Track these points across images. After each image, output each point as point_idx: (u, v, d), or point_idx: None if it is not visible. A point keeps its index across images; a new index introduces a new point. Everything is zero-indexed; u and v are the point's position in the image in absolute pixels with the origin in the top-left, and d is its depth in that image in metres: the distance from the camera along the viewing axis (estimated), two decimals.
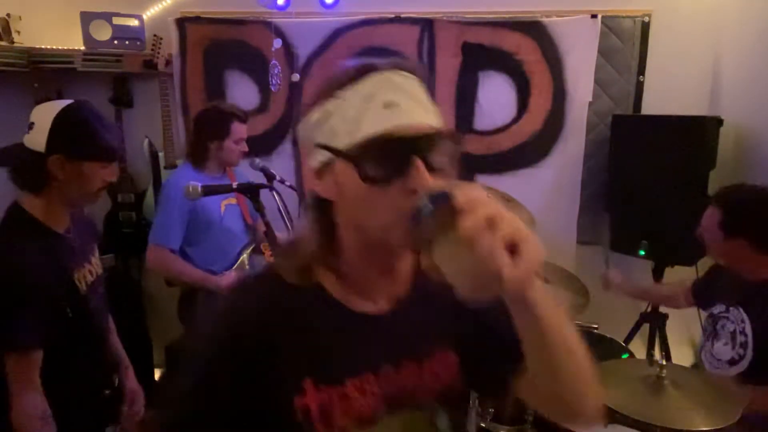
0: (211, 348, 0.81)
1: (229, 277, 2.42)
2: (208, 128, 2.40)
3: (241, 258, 2.51)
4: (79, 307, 1.53)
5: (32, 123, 1.46)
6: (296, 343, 0.77)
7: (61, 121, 1.44)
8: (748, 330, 1.79)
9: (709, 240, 1.87)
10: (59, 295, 1.48)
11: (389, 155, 0.71)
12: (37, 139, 1.44)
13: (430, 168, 0.71)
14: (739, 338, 1.82)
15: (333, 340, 0.79)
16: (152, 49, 3.02)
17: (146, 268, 3.23)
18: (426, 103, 0.75)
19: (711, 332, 1.95)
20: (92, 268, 1.67)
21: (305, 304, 0.79)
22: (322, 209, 0.80)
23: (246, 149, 2.45)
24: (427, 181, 0.70)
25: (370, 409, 0.79)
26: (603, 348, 2.34)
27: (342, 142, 0.74)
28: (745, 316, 1.81)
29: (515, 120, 2.98)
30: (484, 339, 0.85)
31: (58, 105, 1.48)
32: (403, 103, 0.72)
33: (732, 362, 1.83)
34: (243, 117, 2.41)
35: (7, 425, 1.42)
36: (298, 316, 0.79)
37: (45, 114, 1.45)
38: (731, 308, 1.88)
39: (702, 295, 2.10)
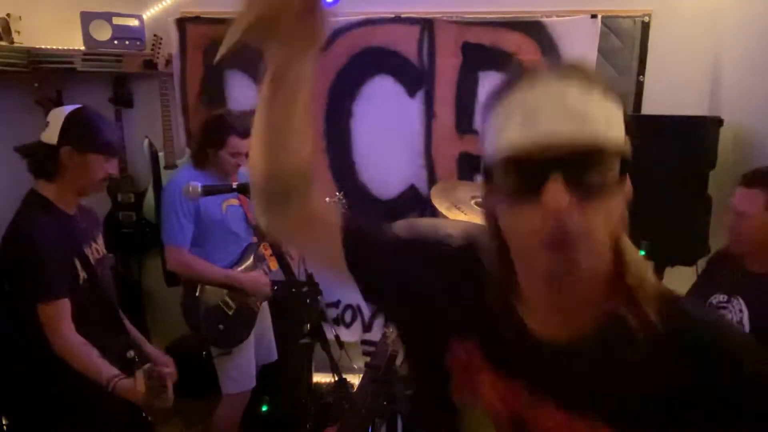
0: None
1: (250, 275, 2.43)
2: (207, 135, 2.43)
3: (247, 258, 2.51)
4: (91, 274, 1.78)
5: (48, 122, 1.75)
6: (477, 306, 0.78)
7: (71, 119, 1.74)
8: (746, 321, 1.79)
9: (749, 224, 1.79)
10: (72, 259, 1.73)
11: (522, 171, 0.65)
12: (51, 135, 1.72)
13: (577, 187, 0.63)
14: None
15: (502, 331, 0.77)
16: (152, 49, 3.02)
17: (146, 271, 3.25)
18: (587, 114, 0.63)
19: None
20: (98, 247, 1.89)
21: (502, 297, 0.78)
22: (492, 224, 0.74)
23: (243, 163, 2.45)
24: (561, 200, 0.62)
25: (493, 409, 0.77)
26: None
27: (487, 156, 0.70)
28: (744, 307, 1.82)
29: None
30: None
31: (69, 107, 1.79)
32: (554, 113, 0.63)
33: None
34: (243, 132, 2.39)
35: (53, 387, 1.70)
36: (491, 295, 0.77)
37: (58, 114, 1.75)
38: (732, 298, 1.88)
39: (697, 294, 2.08)
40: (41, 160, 1.74)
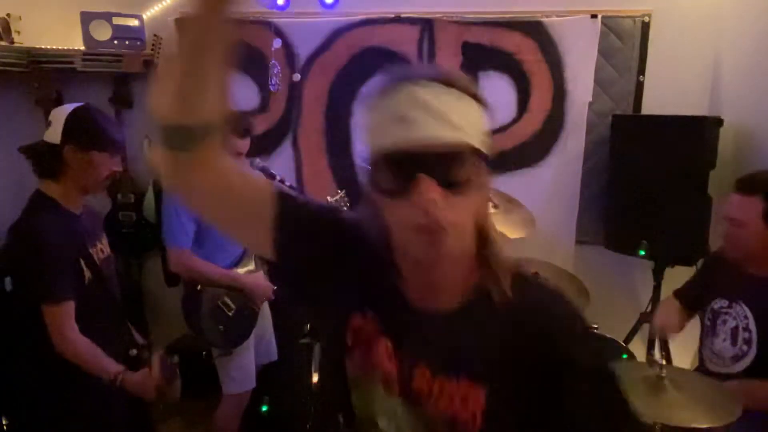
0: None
1: (252, 276, 2.44)
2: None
3: (249, 258, 2.51)
4: (97, 274, 1.78)
5: (50, 121, 1.75)
6: (372, 280, 0.87)
7: (74, 117, 1.73)
8: (752, 326, 1.78)
9: (744, 232, 1.78)
10: (78, 259, 1.73)
11: (396, 169, 0.73)
12: (54, 134, 1.72)
13: (445, 183, 0.72)
14: (743, 334, 1.81)
15: (390, 305, 0.86)
16: (152, 49, 3.02)
17: (146, 271, 3.25)
18: (450, 118, 0.72)
19: (710, 328, 1.94)
20: (103, 247, 1.90)
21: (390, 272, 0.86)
22: (372, 208, 0.82)
23: (242, 163, 2.45)
24: (429, 196, 0.71)
25: (384, 371, 0.86)
26: (603, 348, 2.34)
27: (367, 152, 0.78)
28: (748, 312, 1.81)
29: (515, 120, 2.98)
30: (522, 398, 0.81)
31: (71, 106, 1.78)
32: (420, 118, 0.71)
33: (735, 359, 1.83)
34: (241, 132, 2.39)
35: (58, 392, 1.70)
36: (386, 276, 0.87)
37: (60, 113, 1.75)
38: (734, 303, 1.87)
39: (697, 296, 2.07)
40: (45, 159, 1.73)
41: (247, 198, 0.88)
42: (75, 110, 1.75)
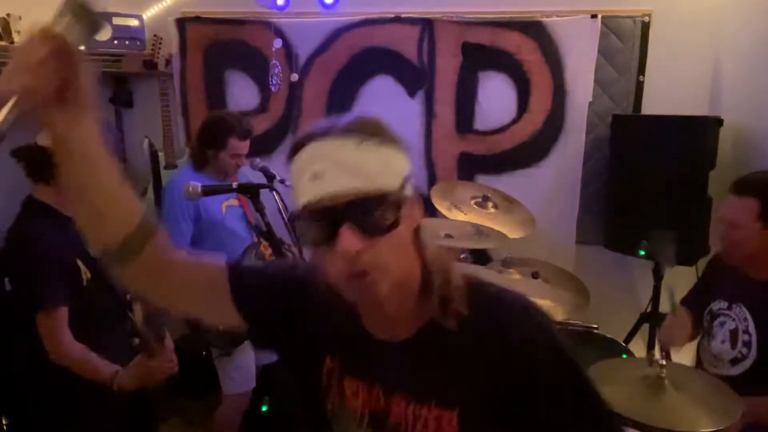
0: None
1: None
2: (207, 136, 2.42)
3: (248, 258, 2.51)
4: (96, 272, 1.75)
5: None
6: (326, 327, 0.91)
7: None
8: (752, 329, 1.78)
9: (741, 234, 1.76)
10: (74, 262, 1.71)
11: (317, 223, 0.77)
12: (46, 137, 1.56)
13: (365, 229, 0.75)
14: (742, 337, 1.80)
15: (353, 344, 0.90)
16: (152, 49, 3.02)
17: None
18: (358, 167, 0.75)
19: (708, 330, 1.93)
20: None
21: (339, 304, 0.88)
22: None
23: (243, 164, 2.46)
24: (347, 245, 0.74)
25: (357, 410, 0.90)
26: (603, 348, 2.34)
27: (294, 209, 0.81)
28: (748, 315, 1.80)
29: (515, 120, 2.98)
30: (497, 416, 0.84)
31: None
32: (328, 173, 0.74)
33: (734, 362, 1.82)
34: (243, 134, 2.39)
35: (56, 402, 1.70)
36: (330, 308, 0.89)
37: None
38: (733, 305, 1.86)
39: (698, 299, 2.05)
40: (37, 163, 1.70)
41: (202, 281, 0.94)
42: None
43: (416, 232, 0.84)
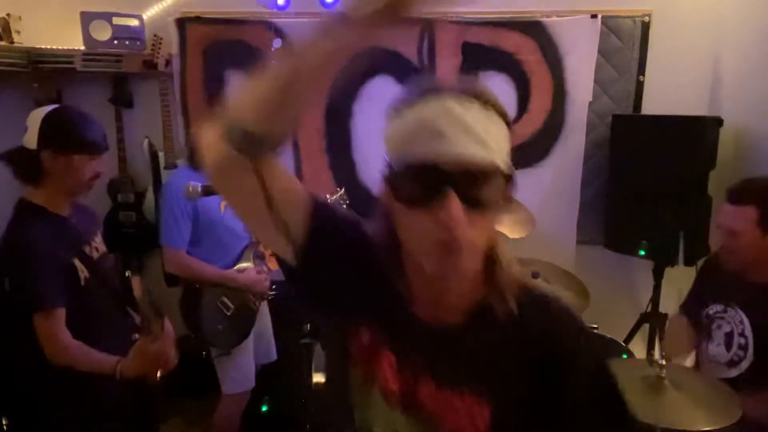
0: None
1: (247, 274, 2.44)
2: None
3: (246, 257, 2.51)
4: (94, 271, 1.76)
5: (27, 126, 1.69)
6: (382, 295, 0.87)
7: (48, 121, 1.67)
8: (749, 332, 1.77)
9: (742, 242, 1.76)
10: (71, 262, 1.69)
11: (424, 183, 0.72)
12: (30, 139, 1.66)
13: (470, 202, 0.71)
14: (738, 340, 1.81)
15: (392, 314, 0.87)
16: (152, 49, 3.01)
17: (147, 271, 3.24)
18: (483, 137, 0.71)
19: (707, 333, 1.93)
20: (97, 245, 1.86)
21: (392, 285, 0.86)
22: (386, 217, 0.82)
23: None
24: (456, 214, 0.70)
25: (387, 386, 0.86)
26: (605, 360, 2.33)
27: (392, 160, 0.77)
28: (744, 318, 1.80)
29: (515, 120, 2.98)
30: (528, 411, 0.82)
31: (46, 108, 1.72)
32: (453, 135, 0.70)
33: (731, 364, 1.82)
34: None
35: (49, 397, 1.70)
36: (386, 283, 0.86)
37: (36, 117, 1.68)
38: (729, 309, 1.86)
39: (696, 304, 2.05)
40: (24, 165, 1.68)
41: (282, 204, 0.84)
42: (50, 113, 1.69)
43: (499, 215, 0.81)
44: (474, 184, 0.71)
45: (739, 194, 1.80)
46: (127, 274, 1.88)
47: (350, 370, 0.90)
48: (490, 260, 0.82)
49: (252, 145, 0.76)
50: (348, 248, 0.90)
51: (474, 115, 0.72)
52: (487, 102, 0.74)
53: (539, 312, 0.84)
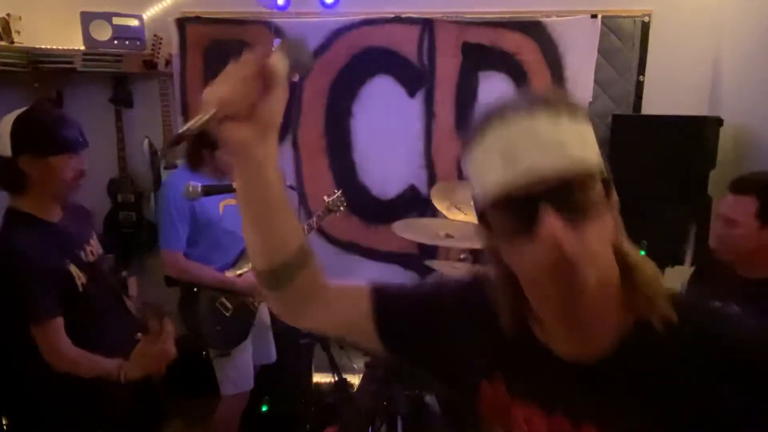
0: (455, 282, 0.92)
1: (245, 278, 2.44)
2: (202, 135, 2.39)
3: (245, 258, 2.51)
4: (91, 274, 1.72)
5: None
6: (498, 341, 0.80)
7: (19, 125, 1.60)
8: None
9: (738, 232, 1.75)
10: (65, 268, 1.65)
11: (511, 210, 0.68)
12: (4, 147, 1.59)
13: (568, 213, 0.65)
14: None
15: (524, 360, 0.79)
16: (152, 49, 3.02)
17: (147, 271, 3.25)
18: (557, 144, 0.66)
19: None
20: (93, 248, 1.82)
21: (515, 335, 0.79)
22: (495, 259, 0.76)
23: None
24: (556, 230, 0.64)
25: None
26: None
27: (478, 198, 0.73)
28: None
29: None
30: None
31: (16, 112, 1.63)
32: (522, 152, 0.66)
33: None
34: None
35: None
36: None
37: (6, 123, 1.61)
38: (724, 306, 1.86)
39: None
40: (4, 174, 1.62)
41: (345, 306, 0.90)
42: (19, 117, 1.61)
43: (615, 217, 0.72)
44: (564, 195, 0.65)
45: (741, 185, 1.80)
46: (123, 274, 1.85)
47: (484, 427, 0.84)
48: (625, 269, 0.73)
49: (276, 281, 0.83)
50: (427, 316, 0.88)
51: (542, 124, 0.66)
52: (554, 105, 0.68)
53: (694, 314, 0.73)
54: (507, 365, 0.80)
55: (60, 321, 1.62)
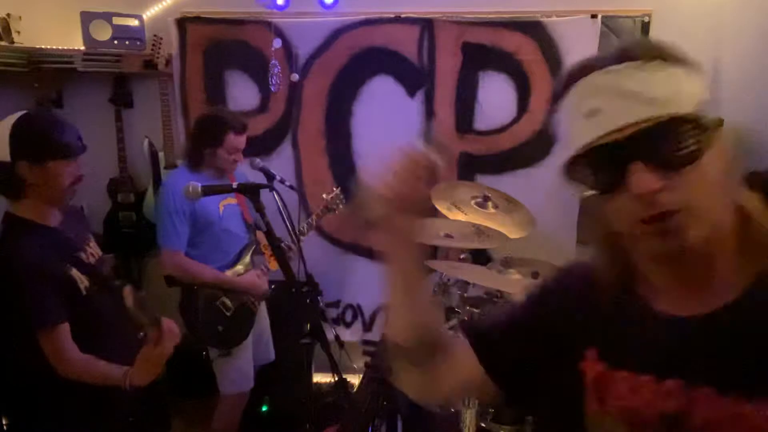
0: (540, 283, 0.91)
1: (245, 278, 2.43)
2: (203, 134, 2.40)
3: (244, 258, 2.51)
4: (93, 277, 1.71)
5: None
6: (592, 316, 0.78)
7: (16, 130, 1.58)
8: None
9: None
10: (68, 273, 1.63)
11: (601, 167, 0.67)
12: (2, 152, 1.57)
13: (661, 164, 0.63)
14: None
15: (624, 327, 0.75)
16: (152, 49, 3.01)
17: (148, 271, 3.25)
18: (639, 94, 0.63)
19: None
20: (92, 250, 1.81)
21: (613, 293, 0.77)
22: (597, 215, 0.75)
23: (240, 159, 2.45)
24: (648, 184, 0.62)
25: (638, 414, 0.71)
26: None
27: (565, 156, 0.71)
28: None
29: (515, 120, 2.98)
30: None
31: (13, 117, 1.61)
32: (607, 106, 0.64)
33: None
34: (240, 128, 2.38)
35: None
36: (603, 297, 0.77)
37: (3, 128, 1.59)
38: None
39: None
40: (6, 180, 1.60)
41: (463, 367, 0.90)
42: (17, 122, 1.59)
43: (725, 167, 0.68)
44: (653, 145, 0.63)
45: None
46: (117, 282, 1.83)
47: (584, 409, 0.77)
48: (741, 217, 0.69)
49: (417, 357, 0.88)
50: (530, 335, 0.85)
51: (626, 76, 0.64)
52: (642, 54, 0.66)
53: None
54: (606, 338, 0.76)
55: (66, 327, 1.60)
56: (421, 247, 0.87)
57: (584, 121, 0.66)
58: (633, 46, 0.67)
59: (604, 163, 0.66)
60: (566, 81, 0.70)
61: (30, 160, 1.58)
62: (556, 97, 0.72)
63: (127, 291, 1.58)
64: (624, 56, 0.66)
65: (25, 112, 1.65)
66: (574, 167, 0.70)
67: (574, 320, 0.80)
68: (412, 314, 0.87)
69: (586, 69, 0.68)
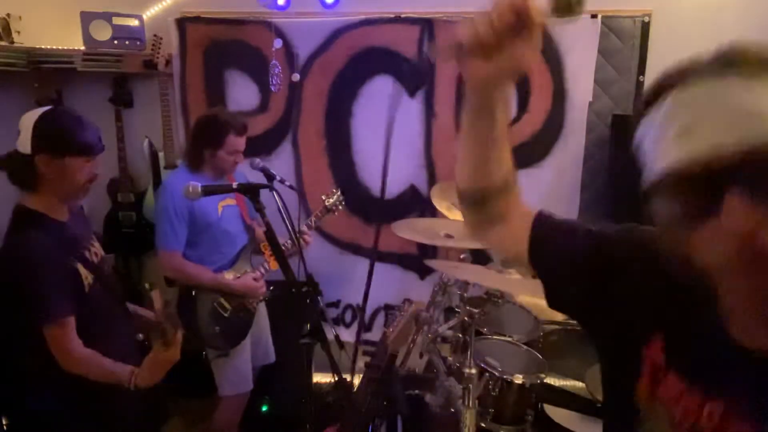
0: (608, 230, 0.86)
1: (242, 281, 2.43)
2: (204, 135, 2.39)
3: (242, 260, 2.51)
4: (97, 274, 1.74)
5: (19, 130, 1.64)
6: (662, 302, 0.72)
7: (41, 124, 1.62)
8: None
9: None
10: (74, 268, 1.65)
11: (686, 193, 0.59)
12: (24, 143, 1.62)
13: (758, 196, 0.54)
14: None
15: (692, 333, 0.69)
16: (152, 49, 3.01)
17: (146, 271, 3.25)
18: (741, 112, 0.54)
19: None
20: (96, 249, 1.84)
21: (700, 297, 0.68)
22: (672, 238, 0.68)
23: (241, 160, 2.44)
24: (743, 220, 0.54)
25: (675, 418, 0.69)
26: None
27: (647, 176, 0.65)
28: None
29: (515, 120, 2.98)
30: None
31: (39, 111, 1.65)
32: (701, 124, 0.56)
33: None
34: (240, 129, 2.37)
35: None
36: (687, 297, 0.70)
37: (28, 120, 1.62)
38: None
39: None
40: (19, 171, 1.63)
41: (517, 229, 0.94)
42: (42, 116, 1.62)
43: None
44: (757, 174, 0.53)
45: None
46: (147, 286, 1.85)
47: (637, 387, 0.75)
48: None
49: (478, 200, 0.90)
50: (587, 259, 0.83)
51: (732, 89, 0.55)
52: (751, 65, 0.56)
53: None
54: (673, 333, 0.70)
55: (72, 321, 1.62)
56: (502, 108, 0.81)
57: (672, 142, 0.59)
58: (743, 54, 0.58)
59: (690, 191, 0.58)
60: (656, 88, 0.63)
61: (50, 154, 1.61)
62: (646, 104, 0.64)
63: (156, 294, 1.60)
64: (720, 66, 0.58)
65: (50, 107, 1.69)
66: (656, 196, 0.63)
67: (644, 299, 0.74)
68: (475, 160, 0.87)
69: (681, 76, 0.61)
